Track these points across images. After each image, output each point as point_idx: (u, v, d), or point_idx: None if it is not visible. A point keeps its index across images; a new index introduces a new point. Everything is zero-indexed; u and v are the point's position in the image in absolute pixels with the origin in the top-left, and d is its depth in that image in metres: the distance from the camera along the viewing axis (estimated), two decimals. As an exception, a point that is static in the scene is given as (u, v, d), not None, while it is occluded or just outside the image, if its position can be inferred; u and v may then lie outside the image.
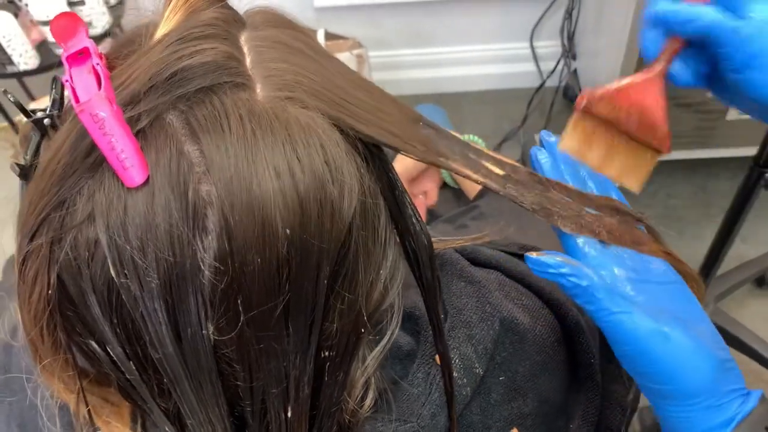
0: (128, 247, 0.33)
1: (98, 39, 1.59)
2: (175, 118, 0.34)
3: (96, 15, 1.56)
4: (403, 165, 0.83)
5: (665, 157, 1.75)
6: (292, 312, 0.36)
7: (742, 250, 1.67)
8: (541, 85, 2.02)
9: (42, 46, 1.56)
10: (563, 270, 0.44)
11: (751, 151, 1.16)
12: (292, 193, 0.34)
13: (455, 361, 0.48)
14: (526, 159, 1.03)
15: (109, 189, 0.33)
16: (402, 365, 0.49)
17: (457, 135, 0.87)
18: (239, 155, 0.33)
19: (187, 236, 0.33)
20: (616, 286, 0.45)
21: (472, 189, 0.86)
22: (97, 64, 0.34)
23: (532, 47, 2.03)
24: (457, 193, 0.91)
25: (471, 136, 0.86)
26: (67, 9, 1.50)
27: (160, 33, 0.37)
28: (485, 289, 0.52)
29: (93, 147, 0.33)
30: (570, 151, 0.49)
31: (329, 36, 1.90)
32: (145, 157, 0.33)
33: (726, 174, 1.84)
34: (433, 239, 0.52)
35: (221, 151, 0.33)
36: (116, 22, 1.61)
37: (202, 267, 0.33)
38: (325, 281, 0.36)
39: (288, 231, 0.34)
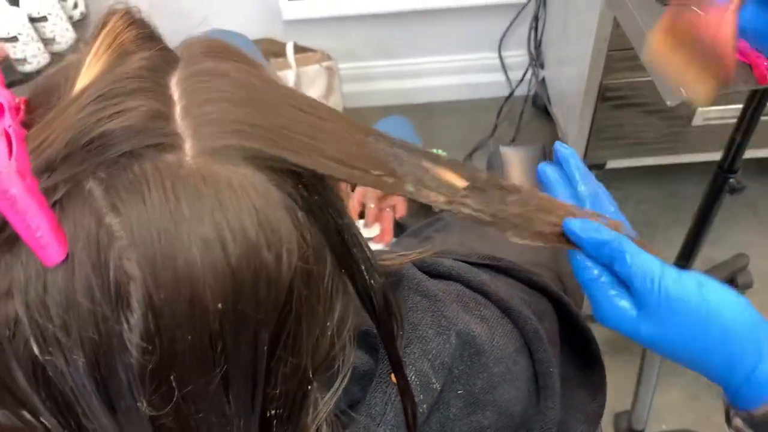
0: (50, 326, 0.31)
1: (63, 55, 1.57)
2: (95, 187, 0.31)
3: (59, 31, 1.53)
4: None
5: (636, 163, 1.77)
6: (232, 382, 0.35)
7: (711, 253, 1.69)
8: (510, 95, 2.04)
9: (4, 63, 1.53)
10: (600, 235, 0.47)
11: (717, 156, 1.18)
12: (222, 266, 0.32)
13: (411, 377, 0.47)
14: (492, 167, 1.04)
15: (27, 264, 0.31)
16: (360, 386, 0.48)
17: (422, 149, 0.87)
18: (162, 227, 0.31)
19: (111, 316, 0.31)
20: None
21: None
22: (10, 126, 0.32)
23: (501, 57, 2.05)
24: (426, 205, 0.90)
25: (436, 150, 0.86)
26: (28, 25, 1.47)
27: (80, 83, 0.34)
28: (441, 303, 0.51)
29: (7, 222, 0.31)
30: (658, 51, 0.56)
31: (298, 48, 1.90)
32: (64, 230, 0.31)
33: (694, 179, 1.87)
34: (389, 256, 0.51)
35: (143, 223, 0.31)
36: (81, 37, 1.59)
37: (129, 347, 0.31)
38: (265, 348, 0.35)
39: (220, 305, 0.32)
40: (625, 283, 0.48)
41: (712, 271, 1.63)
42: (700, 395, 1.55)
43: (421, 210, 0.89)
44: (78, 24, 1.60)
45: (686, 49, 0.55)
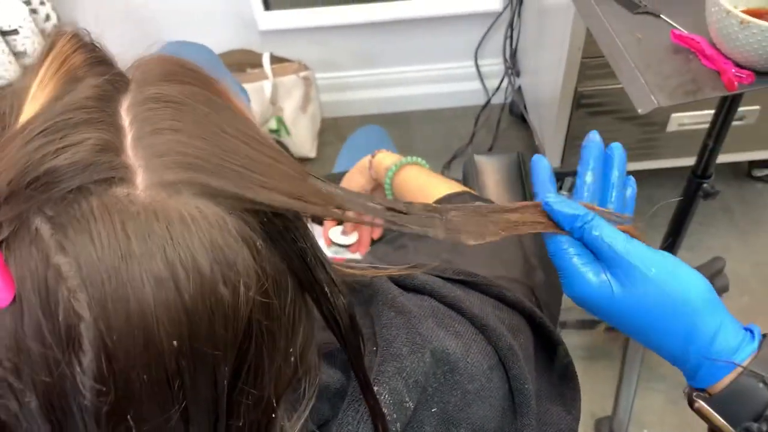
0: (0, 369, 0.30)
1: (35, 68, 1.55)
2: (41, 225, 0.30)
3: (31, 44, 1.52)
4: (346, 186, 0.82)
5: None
6: (192, 418, 0.34)
7: (688, 258, 1.69)
8: (487, 103, 2.05)
9: (-26, 77, 1.50)
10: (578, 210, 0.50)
11: (692, 161, 1.19)
12: (176, 304, 0.31)
13: (384, 396, 0.46)
14: (467, 176, 1.04)
15: None
16: (330, 404, 0.47)
17: (400, 157, 0.88)
18: (112, 266, 0.30)
19: (62, 358, 0.30)
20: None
21: None
22: None
23: (477, 66, 2.06)
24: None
25: (414, 158, 0.86)
26: (-1, 38, 1.46)
27: (26, 113, 0.33)
28: (415, 319, 0.51)
29: None
30: None
31: (275, 59, 1.89)
32: (11, 271, 0.30)
33: (670, 184, 1.88)
34: (359, 266, 0.51)
35: (92, 263, 0.30)
36: (53, 50, 1.57)
37: (83, 389, 0.31)
38: (225, 382, 0.34)
39: (175, 343, 0.31)
40: (596, 256, 0.51)
41: (689, 276, 1.64)
42: (681, 400, 1.55)
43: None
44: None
45: None
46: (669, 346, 0.49)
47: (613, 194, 0.56)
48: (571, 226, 0.51)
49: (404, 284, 0.56)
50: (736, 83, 0.83)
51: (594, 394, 1.55)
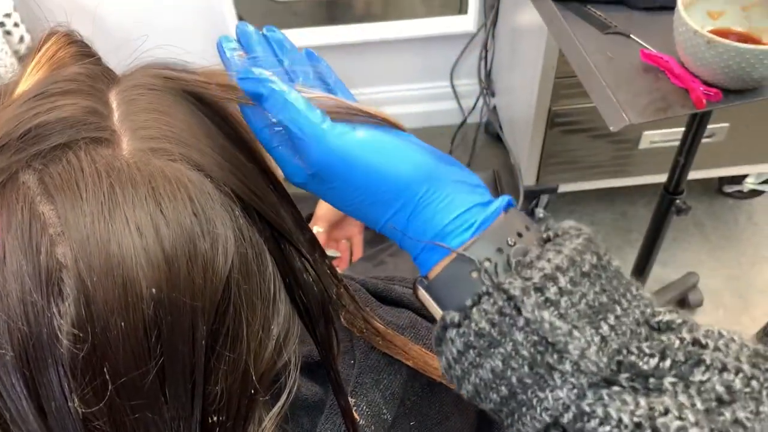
0: None
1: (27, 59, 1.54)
2: (29, 178, 0.32)
3: (4, 65, 1.50)
4: (325, 208, 0.82)
5: (587, 186, 1.79)
6: (169, 377, 0.34)
7: (663, 273, 1.73)
8: (463, 122, 2.07)
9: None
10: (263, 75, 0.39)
11: (664, 177, 1.21)
12: (156, 250, 0.32)
13: (362, 408, 0.47)
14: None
15: None
16: (309, 417, 0.47)
17: None
18: (96, 213, 0.32)
19: (42, 303, 0.31)
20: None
21: None
22: None
23: (453, 86, 2.08)
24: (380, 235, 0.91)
25: None
26: (-28, 60, 1.44)
27: (19, 90, 0.36)
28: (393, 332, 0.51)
29: None
30: None
31: (251, 80, 1.89)
32: None
33: (643, 200, 1.91)
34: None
35: (76, 210, 0.31)
36: (27, 72, 1.56)
37: (60, 336, 0.31)
38: (203, 342, 0.34)
39: (154, 291, 0.32)
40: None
41: (663, 291, 1.66)
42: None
43: (374, 236, 0.90)
44: (24, 58, 1.57)
45: None
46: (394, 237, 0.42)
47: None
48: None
49: (383, 297, 0.56)
50: (704, 101, 0.85)
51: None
